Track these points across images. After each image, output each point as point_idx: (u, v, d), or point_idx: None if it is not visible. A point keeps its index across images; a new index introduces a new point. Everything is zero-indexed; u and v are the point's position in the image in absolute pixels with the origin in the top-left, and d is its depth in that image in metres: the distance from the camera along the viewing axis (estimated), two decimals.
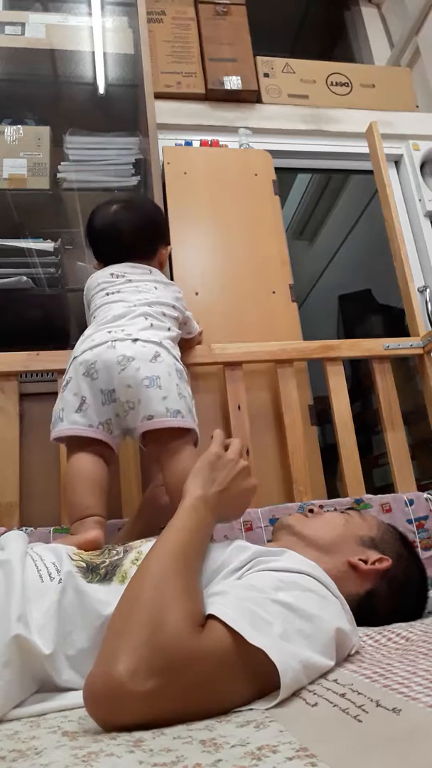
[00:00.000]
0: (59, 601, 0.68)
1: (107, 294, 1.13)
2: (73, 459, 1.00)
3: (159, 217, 1.29)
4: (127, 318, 1.06)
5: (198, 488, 0.77)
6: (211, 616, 0.57)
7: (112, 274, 1.17)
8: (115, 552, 0.79)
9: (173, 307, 1.16)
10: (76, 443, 1.00)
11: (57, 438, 1.01)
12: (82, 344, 1.04)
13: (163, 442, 0.98)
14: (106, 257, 1.23)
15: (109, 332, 1.02)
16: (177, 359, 1.06)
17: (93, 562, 0.76)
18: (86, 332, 1.07)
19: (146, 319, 1.06)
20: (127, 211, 1.22)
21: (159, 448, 0.99)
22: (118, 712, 0.49)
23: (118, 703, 0.49)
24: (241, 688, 0.54)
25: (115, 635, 0.55)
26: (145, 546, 0.78)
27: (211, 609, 0.58)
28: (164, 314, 1.11)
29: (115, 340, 1.00)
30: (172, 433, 0.97)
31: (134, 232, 1.21)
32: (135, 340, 1.00)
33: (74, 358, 1.03)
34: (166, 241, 1.31)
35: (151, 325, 1.06)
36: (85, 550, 0.81)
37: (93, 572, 0.73)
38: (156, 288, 1.17)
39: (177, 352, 1.08)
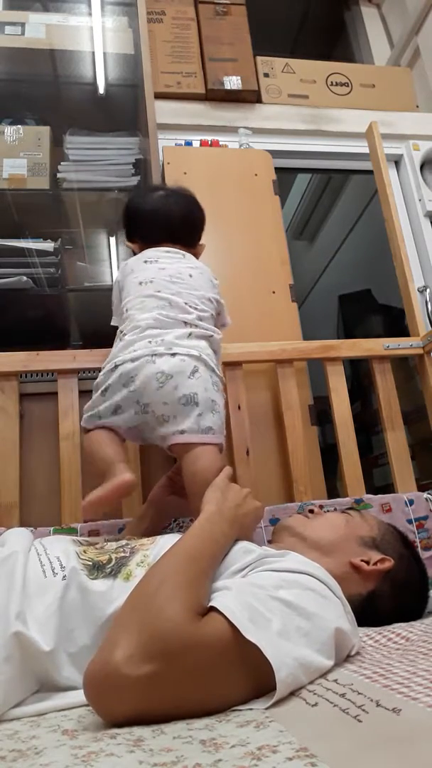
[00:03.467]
0: (62, 598, 0.68)
1: (140, 283, 1.12)
2: (93, 434, 1.04)
3: (202, 212, 1.30)
4: (166, 323, 1.05)
5: (212, 505, 0.81)
6: (212, 608, 0.57)
7: (145, 261, 1.16)
8: (122, 551, 0.79)
9: (209, 300, 1.14)
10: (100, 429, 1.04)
11: (91, 426, 1.06)
12: (122, 351, 1.04)
13: (189, 449, 1.00)
14: (148, 238, 1.22)
15: (150, 342, 1.02)
16: (214, 371, 1.06)
17: (100, 560, 0.76)
18: (127, 336, 1.06)
19: (185, 326, 1.07)
20: (177, 196, 1.26)
21: (183, 452, 1.01)
22: (115, 698, 0.50)
23: (114, 688, 0.50)
24: (237, 681, 0.54)
25: (115, 625, 0.57)
26: (151, 549, 0.78)
27: (212, 601, 0.58)
28: (202, 318, 1.10)
29: (154, 354, 1.00)
30: (199, 445, 1.00)
31: (184, 217, 1.24)
32: (174, 354, 1.01)
33: (115, 365, 1.03)
34: (201, 237, 1.31)
35: (190, 334, 1.06)
36: (119, 495, 0.88)
37: (98, 570, 0.74)
38: (191, 276, 1.15)
39: (215, 362, 1.08)
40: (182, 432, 0.99)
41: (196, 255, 1.27)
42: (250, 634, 0.54)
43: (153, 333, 1.04)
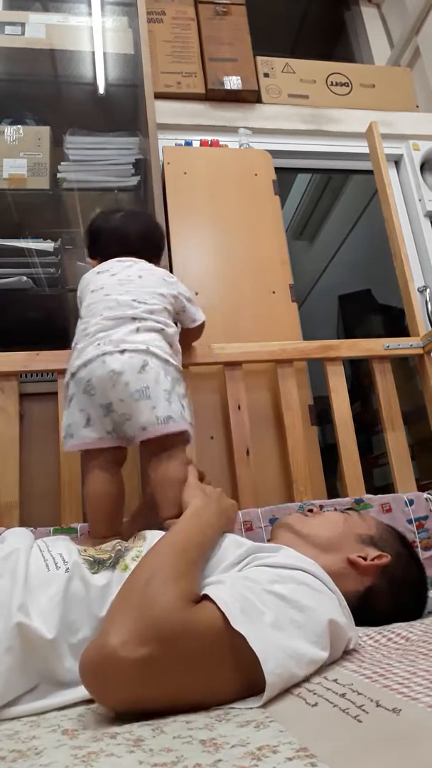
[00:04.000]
0: (66, 589, 0.70)
1: (92, 291, 1.14)
2: (90, 476, 1.05)
3: (160, 230, 1.37)
4: (114, 323, 1.06)
5: (198, 500, 0.85)
6: (206, 597, 0.59)
7: (98, 272, 1.19)
8: (119, 546, 0.81)
9: (161, 295, 1.15)
10: (93, 454, 1.04)
11: (68, 451, 1.07)
12: (76, 359, 1.05)
13: (153, 446, 1.02)
14: (105, 254, 1.25)
15: (98, 345, 1.03)
16: (168, 361, 1.06)
17: (100, 557, 0.78)
18: (78, 345, 1.08)
19: (133, 321, 1.07)
20: (135, 216, 1.34)
21: (150, 451, 1.04)
22: (111, 682, 0.52)
23: (110, 671, 0.51)
24: (230, 670, 0.55)
25: (110, 612, 0.59)
26: (145, 545, 0.80)
27: (206, 590, 0.60)
28: (152, 311, 1.10)
29: (104, 354, 1.02)
30: (164, 438, 1.01)
31: (139, 233, 1.28)
32: (123, 351, 1.02)
33: (72, 374, 1.05)
34: (160, 256, 1.34)
35: (138, 329, 1.06)
36: None
37: (99, 564, 0.76)
38: (140, 276, 1.16)
39: (167, 351, 1.08)
40: (144, 428, 1.00)
41: None
42: (239, 624, 0.54)
43: (101, 336, 1.05)
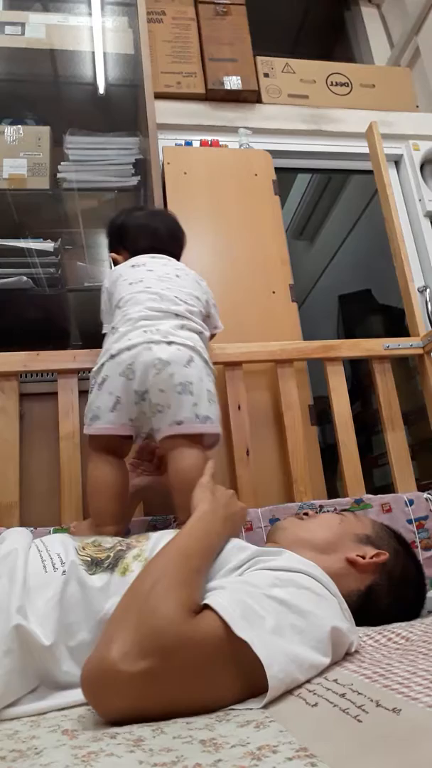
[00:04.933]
0: (62, 592, 0.70)
1: (130, 284, 1.13)
2: (97, 463, 1.04)
3: (184, 233, 1.36)
4: (159, 315, 1.06)
5: (204, 503, 0.83)
6: (206, 606, 0.58)
7: (133, 266, 1.18)
8: (119, 545, 0.81)
9: (196, 297, 1.16)
10: (105, 441, 1.03)
11: (92, 434, 1.04)
12: (117, 342, 1.03)
13: (180, 442, 1.01)
14: (135, 248, 1.25)
15: (145, 332, 1.02)
16: (207, 362, 1.07)
17: (98, 557, 0.77)
18: (120, 328, 1.06)
19: (177, 317, 1.08)
20: (163, 215, 1.36)
21: (174, 447, 1.01)
22: (111, 694, 0.51)
23: (110, 684, 0.51)
24: (232, 677, 0.55)
25: (112, 622, 0.58)
26: (146, 544, 0.80)
27: (206, 599, 0.59)
28: (191, 311, 1.11)
29: (151, 342, 1.01)
30: (197, 437, 1.01)
31: (169, 232, 1.30)
32: (170, 342, 1.02)
33: (111, 356, 1.02)
34: (181, 256, 1.35)
35: (182, 326, 1.07)
36: None
37: (97, 565, 0.75)
38: (178, 276, 1.17)
39: (207, 354, 1.10)
40: (180, 422, 0.99)
41: None
42: (241, 631, 0.54)
43: (146, 324, 1.04)
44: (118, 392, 1.01)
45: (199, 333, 1.10)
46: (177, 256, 1.29)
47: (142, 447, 1.21)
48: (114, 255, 1.30)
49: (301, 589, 0.64)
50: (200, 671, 0.54)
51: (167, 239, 1.28)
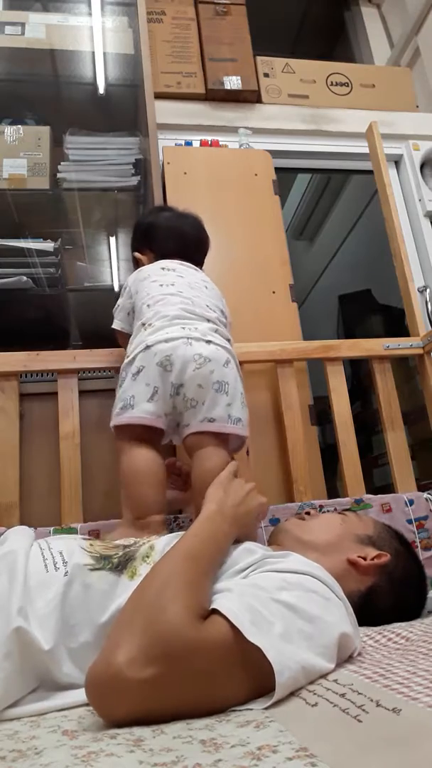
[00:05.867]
0: (64, 594, 0.68)
1: (161, 285, 1.12)
2: (134, 451, 1.00)
3: (209, 239, 1.35)
4: (193, 317, 1.06)
5: (213, 503, 0.81)
6: (214, 611, 0.57)
7: (163, 268, 1.17)
8: (128, 549, 0.79)
9: (221, 310, 1.17)
10: (138, 432, 1.00)
11: (124, 425, 1.01)
12: (152, 335, 1.02)
13: (208, 440, 1.00)
14: (162, 251, 1.24)
15: (183, 328, 1.02)
16: (239, 367, 1.08)
17: (107, 554, 0.76)
18: (155, 323, 1.04)
19: (209, 322, 1.08)
20: (191, 219, 1.33)
21: (202, 445, 1.00)
22: (117, 700, 0.50)
23: (116, 690, 0.50)
24: (239, 684, 0.54)
25: (118, 627, 0.56)
26: (157, 543, 0.79)
27: (214, 603, 0.58)
28: (220, 322, 1.12)
29: (190, 338, 1.01)
30: (220, 437, 1.00)
31: (196, 238, 1.30)
32: (209, 341, 1.02)
33: (147, 346, 1.01)
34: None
35: (216, 329, 1.07)
36: None
37: (105, 560, 0.74)
38: (206, 287, 1.18)
39: (237, 361, 1.10)
40: (212, 420, 0.98)
41: None
42: (253, 636, 0.53)
43: (183, 322, 1.04)
44: (156, 383, 0.99)
45: (229, 340, 1.11)
46: (201, 263, 1.30)
47: (170, 462, 1.21)
48: (138, 255, 1.28)
49: (308, 592, 0.63)
50: (207, 677, 0.53)
51: (194, 245, 1.28)
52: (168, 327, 1.03)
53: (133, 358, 1.02)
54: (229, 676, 0.54)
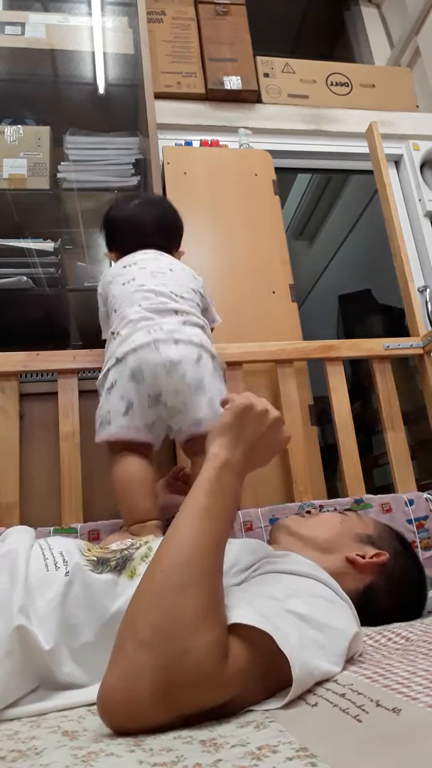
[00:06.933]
0: (65, 593, 0.68)
1: (123, 284, 1.11)
2: (122, 462, 1.01)
3: (178, 218, 1.30)
4: (156, 314, 1.04)
5: (223, 449, 0.67)
6: (235, 626, 0.53)
7: (124, 266, 1.15)
8: (126, 552, 0.79)
9: (193, 290, 1.13)
10: (122, 445, 1.01)
11: (104, 440, 1.02)
12: (121, 345, 1.01)
13: (199, 445, 0.97)
14: (123, 247, 1.22)
15: (149, 332, 1.00)
16: (215, 357, 1.06)
17: (104, 556, 0.76)
18: (122, 331, 1.03)
19: (177, 314, 1.05)
20: (151, 204, 1.27)
21: (193, 450, 1.01)
22: (133, 724, 0.48)
23: (137, 720, 0.48)
24: (255, 696, 0.54)
25: (138, 644, 0.50)
26: (154, 542, 0.79)
27: (235, 618, 0.54)
28: (190, 305, 1.09)
29: (157, 341, 0.99)
30: None
31: (156, 224, 1.23)
32: (177, 341, 1.00)
33: (117, 360, 1.00)
34: (180, 244, 1.30)
35: (185, 321, 1.04)
36: None
37: (103, 564, 0.74)
38: (171, 270, 1.14)
39: (214, 348, 1.07)
40: (199, 422, 0.98)
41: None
42: (284, 646, 0.52)
43: (148, 324, 1.02)
44: (130, 396, 0.98)
45: (202, 327, 1.08)
46: (170, 247, 1.24)
47: (177, 470, 1.21)
48: (108, 254, 1.27)
49: (315, 598, 0.63)
50: (230, 703, 0.51)
51: (158, 231, 1.22)
52: (134, 334, 1.01)
53: (106, 373, 1.03)
54: (248, 692, 0.53)
